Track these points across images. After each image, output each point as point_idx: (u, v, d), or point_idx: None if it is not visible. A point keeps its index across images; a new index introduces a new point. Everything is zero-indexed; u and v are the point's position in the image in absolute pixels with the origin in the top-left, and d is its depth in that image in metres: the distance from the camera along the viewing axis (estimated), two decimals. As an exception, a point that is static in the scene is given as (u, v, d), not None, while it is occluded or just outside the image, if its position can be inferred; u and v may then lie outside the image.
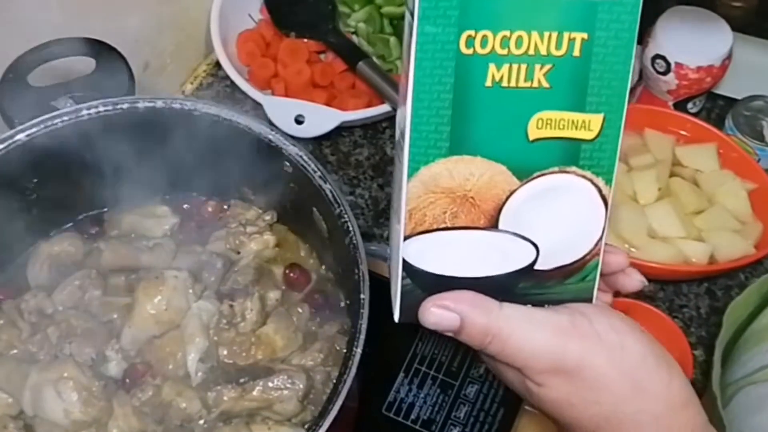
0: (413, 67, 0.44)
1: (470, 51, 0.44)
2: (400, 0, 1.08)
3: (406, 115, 0.45)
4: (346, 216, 0.65)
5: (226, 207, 0.80)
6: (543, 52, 0.44)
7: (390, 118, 1.02)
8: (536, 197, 0.47)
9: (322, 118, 0.97)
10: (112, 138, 0.72)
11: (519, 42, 0.44)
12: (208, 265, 0.73)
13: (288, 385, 0.67)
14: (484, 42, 0.44)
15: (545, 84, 0.45)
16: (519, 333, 0.48)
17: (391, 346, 0.78)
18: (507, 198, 0.47)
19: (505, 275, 0.49)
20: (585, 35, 0.44)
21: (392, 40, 1.06)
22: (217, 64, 1.06)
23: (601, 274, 0.51)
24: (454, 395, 0.75)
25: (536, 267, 0.49)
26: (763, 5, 1.15)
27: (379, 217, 0.96)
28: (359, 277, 0.62)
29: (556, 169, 0.47)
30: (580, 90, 0.45)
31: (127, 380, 0.69)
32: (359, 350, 0.59)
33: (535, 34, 0.44)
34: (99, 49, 0.79)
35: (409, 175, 0.46)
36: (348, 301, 0.72)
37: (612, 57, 0.45)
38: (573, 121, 0.46)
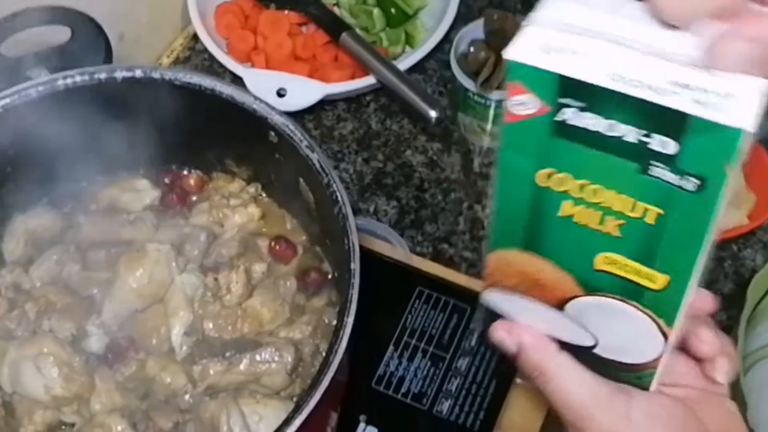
0: (495, 183, 0.47)
1: (547, 185, 0.46)
2: (383, -30, 1.09)
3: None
4: (334, 185, 0.65)
5: (208, 180, 0.80)
6: (617, 208, 0.45)
7: (375, 91, 1.03)
8: (599, 307, 0.50)
9: (304, 91, 0.97)
10: (89, 109, 0.72)
11: (596, 193, 0.45)
12: (191, 238, 0.74)
13: (276, 359, 0.67)
14: (561, 182, 0.45)
15: (616, 233, 0.46)
16: (561, 383, 0.53)
17: (380, 320, 0.78)
18: (572, 298, 0.51)
19: (569, 344, 0.54)
20: (660, 211, 0.44)
21: (375, 11, 1.07)
22: (195, 37, 1.06)
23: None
24: (445, 368, 0.76)
25: (595, 351, 0.53)
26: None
27: (364, 191, 0.96)
28: (349, 248, 0.62)
29: (618, 297, 0.49)
30: (650, 250, 0.46)
31: (110, 355, 0.69)
32: (350, 320, 0.60)
33: (612, 192, 0.44)
34: (74, 17, 0.79)
35: (489, 249, 0.51)
36: (336, 273, 0.73)
37: (685, 234, 0.45)
38: (638, 270, 0.47)
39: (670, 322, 0.49)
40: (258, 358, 0.67)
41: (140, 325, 0.71)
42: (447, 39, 1.01)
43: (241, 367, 0.67)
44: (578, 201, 0.45)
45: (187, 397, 0.68)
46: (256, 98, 0.69)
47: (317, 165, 0.66)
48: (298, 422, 0.55)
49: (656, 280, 0.47)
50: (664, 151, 0.41)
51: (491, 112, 0.92)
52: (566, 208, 0.46)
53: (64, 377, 0.67)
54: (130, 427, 0.66)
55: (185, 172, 0.80)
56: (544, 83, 0.42)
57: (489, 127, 0.94)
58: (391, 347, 0.78)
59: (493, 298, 0.54)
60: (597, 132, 0.42)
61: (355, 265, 0.62)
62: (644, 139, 0.41)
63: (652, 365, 0.52)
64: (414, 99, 0.91)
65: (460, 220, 0.94)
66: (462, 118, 0.97)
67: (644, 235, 0.45)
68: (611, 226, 0.46)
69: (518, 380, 0.76)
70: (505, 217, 0.49)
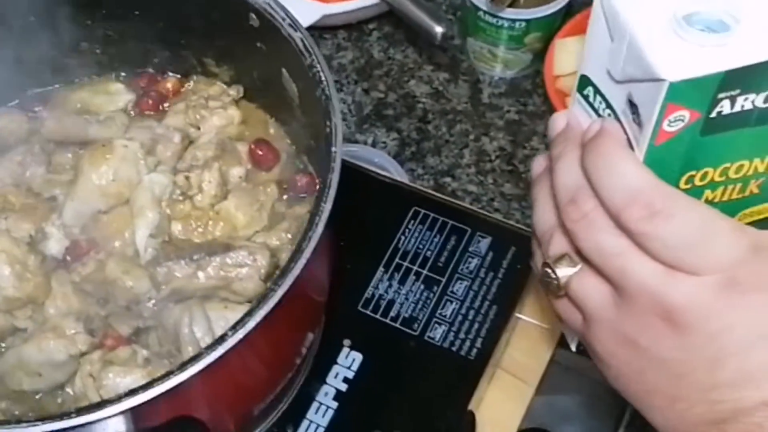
0: None
1: (688, 187, 0.45)
2: None
3: None
4: (318, 65, 0.60)
5: (187, 83, 0.75)
6: (761, 170, 0.46)
7: (378, 18, 0.98)
8: None
9: (301, 12, 0.90)
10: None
11: (739, 168, 0.45)
12: (164, 138, 0.69)
13: (248, 262, 0.62)
14: (703, 177, 0.45)
15: (757, 191, 0.47)
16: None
17: (370, 240, 0.73)
18: None
19: None
20: None
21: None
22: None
23: None
24: (439, 292, 0.71)
25: None
26: None
27: (362, 122, 0.91)
28: (331, 130, 0.57)
29: None
30: None
31: (68, 257, 0.65)
32: (328, 206, 0.54)
33: (757, 160, 0.45)
34: None
35: None
36: (321, 180, 0.68)
37: None
38: None
39: None
40: (229, 261, 0.62)
41: (103, 227, 0.66)
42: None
43: (210, 270, 0.62)
44: (718, 185, 0.45)
45: (150, 303, 0.63)
46: (235, -24, 0.64)
47: (300, 45, 0.62)
48: (258, 317, 0.50)
49: None
50: None
51: (504, 34, 0.87)
52: (708, 195, 0.46)
53: (17, 276, 0.62)
54: (86, 333, 0.61)
55: (162, 76, 0.76)
56: (705, 87, 0.40)
57: (501, 51, 0.89)
58: (380, 269, 0.72)
59: None
60: (749, 110, 0.42)
61: (336, 149, 0.57)
62: None
63: None
64: (418, 14, 0.86)
65: (465, 152, 0.88)
66: (471, 44, 0.92)
67: None
68: (753, 187, 0.46)
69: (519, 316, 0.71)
70: None
